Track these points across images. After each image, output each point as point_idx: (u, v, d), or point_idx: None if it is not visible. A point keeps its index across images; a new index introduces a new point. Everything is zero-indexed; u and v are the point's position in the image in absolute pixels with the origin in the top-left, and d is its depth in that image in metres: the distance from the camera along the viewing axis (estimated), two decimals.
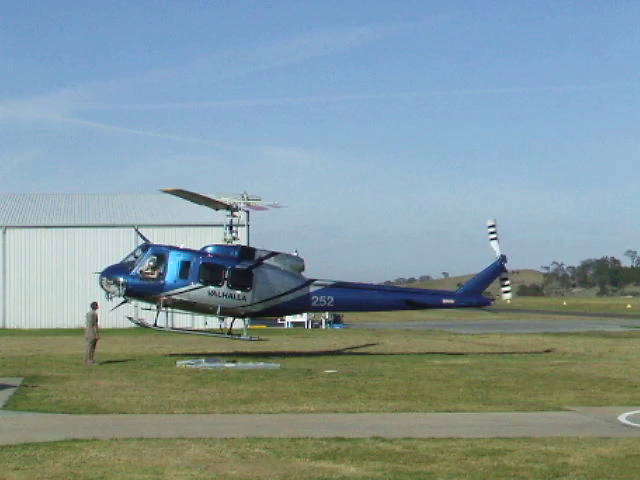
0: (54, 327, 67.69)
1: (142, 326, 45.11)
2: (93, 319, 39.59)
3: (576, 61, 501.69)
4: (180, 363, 37.90)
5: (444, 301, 47.06)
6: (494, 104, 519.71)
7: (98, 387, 29.89)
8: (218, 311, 42.89)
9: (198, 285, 42.27)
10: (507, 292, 47.91)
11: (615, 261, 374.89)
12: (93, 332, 39.21)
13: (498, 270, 47.05)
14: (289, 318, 77.20)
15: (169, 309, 43.40)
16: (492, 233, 46.81)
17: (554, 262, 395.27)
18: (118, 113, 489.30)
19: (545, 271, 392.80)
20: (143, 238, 44.21)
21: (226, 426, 21.54)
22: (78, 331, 55.43)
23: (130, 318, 46.73)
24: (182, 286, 42.20)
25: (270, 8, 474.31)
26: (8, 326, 69.20)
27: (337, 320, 78.45)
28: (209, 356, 41.48)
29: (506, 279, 47.51)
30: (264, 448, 18.45)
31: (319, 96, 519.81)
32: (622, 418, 23.18)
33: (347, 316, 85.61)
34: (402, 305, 46.83)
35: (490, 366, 38.23)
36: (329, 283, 44.85)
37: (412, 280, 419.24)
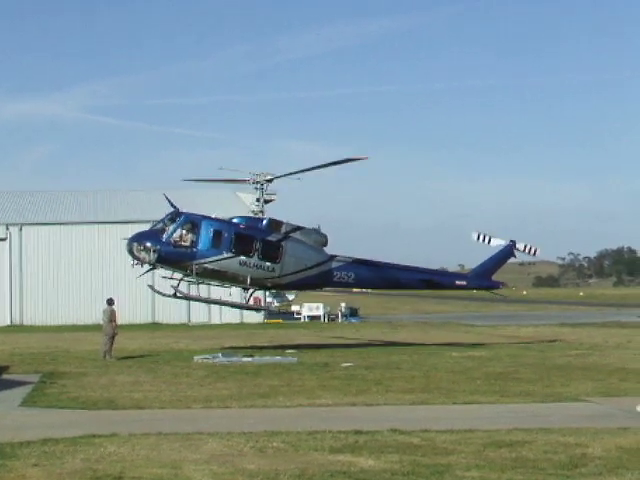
0: (71, 323, 67.86)
1: (173, 296, 44.17)
2: (111, 315, 39.72)
3: (591, 49, 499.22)
4: (197, 358, 37.94)
5: (457, 282, 48.16)
6: (507, 93, 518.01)
7: (116, 383, 29.95)
8: (248, 282, 42.90)
9: (230, 255, 42.30)
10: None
11: (632, 251, 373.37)
12: (111, 328, 39.33)
13: (508, 254, 48.00)
14: (305, 312, 77.32)
15: (198, 278, 42.97)
16: (484, 240, 47.88)
17: (570, 253, 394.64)
18: (134, 108, 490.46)
19: (561, 262, 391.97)
20: (172, 205, 43.29)
21: (244, 420, 21.56)
22: (95, 327, 55.53)
23: (151, 286, 46.09)
24: (214, 255, 42.13)
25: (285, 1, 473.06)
26: (25, 323, 69.39)
27: (353, 313, 78.48)
28: (226, 351, 41.55)
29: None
30: (282, 442, 18.45)
31: (335, 89, 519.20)
32: None
33: (363, 309, 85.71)
34: (419, 284, 47.89)
35: (507, 358, 38.19)
36: (350, 260, 45.37)
37: None
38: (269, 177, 44.54)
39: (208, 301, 48.38)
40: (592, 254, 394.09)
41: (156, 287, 45.75)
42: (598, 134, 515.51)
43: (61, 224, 71.58)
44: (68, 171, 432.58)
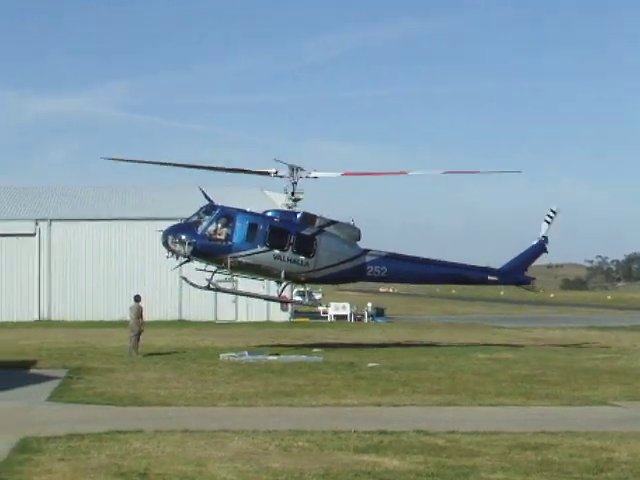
0: (99, 319, 68.12)
1: (206, 288, 44.14)
2: (138, 311, 39.85)
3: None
4: (223, 356, 38.00)
5: (489, 277, 47.69)
6: (540, 97, 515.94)
7: (142, 379, 30.04)
8: (282, 275, 42.96)
9: (265, 248, 42.31)
10: None
11: None
12: (137, 324, 39.46)
13: (540, 250, 47.94)
14: (332, 311, 77.32)
15: (232, 271, 42.95)
16: (549, 217, 47.84)
17: (598, 256, 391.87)
18: (162, 106, 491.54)
19: (589, 265, 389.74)
20: (208, 199, 43.27)
21: (269, 419, 21.57)
22: (122, 323, 55.71)
23: (184, 278, 45.18)
24: (249, 248, 42.16)
25: (306, 4, 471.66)
26: (53, 318, 69.69)
27: (380, 313, 78.40)
28: (252, 349, 41.59)
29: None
30: (307, 441, 18.45)
31: (360, 90, 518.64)
32: None
33: (389, 309, 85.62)
34: (451, 279, 48.18)
35: (534, 360, 38.03)
36: (383, 254, 45.34)
37: None
38: (312, 174, 44.13)
39: (241, 293, 48.28)
40: (620, 257, 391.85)
41: (189, 279, 45.29)
42: (625, 136, 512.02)
43: (90, 220, 71.83)
44: (97, 167, 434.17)
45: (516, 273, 47.72)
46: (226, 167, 46.22)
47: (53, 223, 71.27)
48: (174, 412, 22.98)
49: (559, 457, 17.13)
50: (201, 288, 44.37)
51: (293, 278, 44.16)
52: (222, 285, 44.37)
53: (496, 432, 19.67)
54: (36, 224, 71.01)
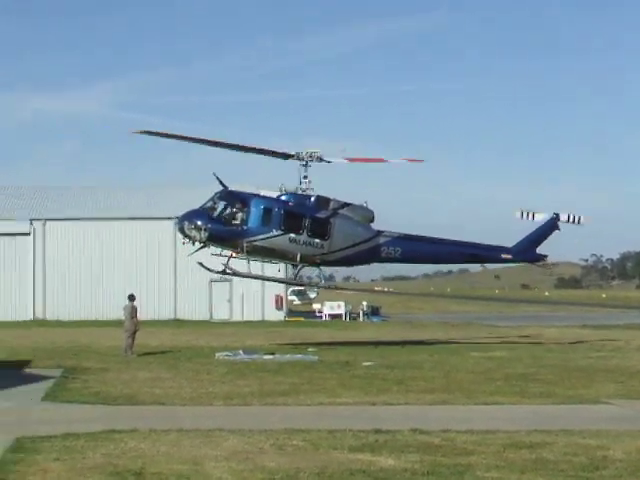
0: (93, 319, 68.09)
1: (222, 273, 44.72)
2: (132, 311, 39.86)
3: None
4: (218, 355, 38.01)
5: (503, 256, 47.60)
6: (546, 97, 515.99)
7: (137, 378, 30.04)
8: (297, 259, 43.25)
9: (279, 232, 42.59)
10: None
11: None
12: (132, 324, 39.46)
13: (552, 227, 47.69)
14: (327, 310, 77.29)
15: (248, 256, 43.09)
16: (527, 217, 47.65)
17: (593, 254, 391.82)
18: (157, 105, 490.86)
19: (584, 263, 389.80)
20: (222, 184, 43.21)
21: (264, 418, 21.59)
22: (117, 323, 55.73)
23: (200, 264, 45.02)
24: (264, 233, 42.43)
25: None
26: (48, 318, 69.67)
27: (375, 312, 78.43)
28: (247, 348, 41.60)
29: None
30: (302, 440, 18.46)
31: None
32: None
33: (385, 308, 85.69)
34: (465, 258, 48.10)
35: (528, 359, 38.07)
36: (396, 235, 45.51)
37: (450, 272, 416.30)
38: (319, 155, 43.84)
39: (256, 277, 48.52)
40: (615, 256, 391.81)
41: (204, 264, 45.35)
42: (622, 137, 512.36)
43: (84, 220, 71.87)
44: (92, 167, 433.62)
45: (529, 251, 47.65)
46: (254, 147, 45.07)
47: (48, 223, 71.29)
48: (169, 411, 22.99)
49: (554, 455, 17.15)
50: (218, 272, 44.83)
51: (308, 261, 44.34)
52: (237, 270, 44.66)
53: (491, 431, 19.69)
54: (31, 224, 71.04)
